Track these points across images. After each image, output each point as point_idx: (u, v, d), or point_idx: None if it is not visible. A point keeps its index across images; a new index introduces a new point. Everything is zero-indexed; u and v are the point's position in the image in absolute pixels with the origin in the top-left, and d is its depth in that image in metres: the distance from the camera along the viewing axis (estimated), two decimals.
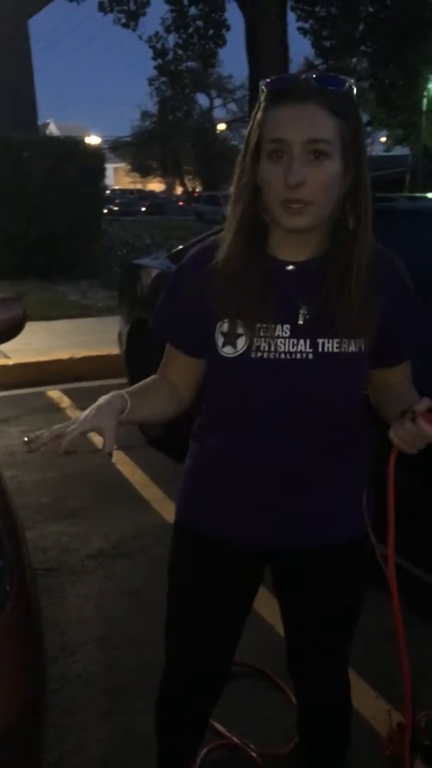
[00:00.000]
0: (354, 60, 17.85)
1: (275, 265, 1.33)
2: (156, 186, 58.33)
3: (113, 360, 5.59)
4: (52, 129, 45.08)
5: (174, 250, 4.94)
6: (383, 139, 36.62)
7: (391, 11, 12.50)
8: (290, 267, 1.33)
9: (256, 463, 1.38)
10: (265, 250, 1.34)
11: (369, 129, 38.05)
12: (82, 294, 10.39)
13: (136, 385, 1.42)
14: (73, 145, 12.22)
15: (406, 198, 6.65)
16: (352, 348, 1.31)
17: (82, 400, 5.55)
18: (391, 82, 13.59)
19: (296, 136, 1.21)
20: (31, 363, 6.17)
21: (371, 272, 1.30)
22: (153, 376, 1.49)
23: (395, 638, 1.44)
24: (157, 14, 13.93)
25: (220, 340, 1.33)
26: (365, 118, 36.04)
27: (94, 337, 7.14)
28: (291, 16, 12.84)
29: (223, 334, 1.33)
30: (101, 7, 13.39)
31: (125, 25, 13.54)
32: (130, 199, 41.56)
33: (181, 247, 4.70)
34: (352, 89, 1.25)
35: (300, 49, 55.87)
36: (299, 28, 13.64)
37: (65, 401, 5.65)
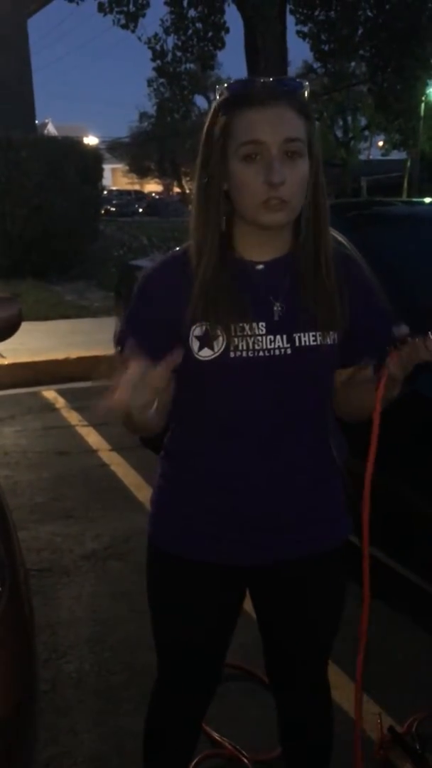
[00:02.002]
0: (353, 64, 17.88)
1: (245, 265, 1.34)
2: (153, 187, 58.35)
3: (108, 360, 5.58)
4: (51, 129, 44.98)
5: (170, 252, 4.94)
6: (381, 143, 36.69)
7: (390, 16, 12.51)
8: (260, 266, 1.34)
9: (239, 468, 1.36)
10: (233, 252, 1.34)
11: (367, 133, 38.21)
12: (78, 294, 10.40)
13: None
14: (71, 146, 12.23)
15: (403, 203, 6.67)
16: (328, 340, 1.33)
17: (77, 400, 5.55)
18: (390, 87, 13.58)
19: (273, 136, 1.23)
20: (26, 363, 6.17)
21: (335, 267, 1.35)
22: None
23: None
24: (156, 16, 13.91)
25: (195, 345, 1.31)
26: (363, 122, 36.34)
27: (90, 337, 7.13)
28: (290, 20, 12.86)
29: (198, 338, 1.31)
30: (100, 8, 13.34)
31: (124, 27, 13.49)
32: (127, 199, 41.59)
33: (177, 249, 4.70)
34: (307, 91, 1.30)
35: (299, 52, 56.05)
36: (298, 32, 13.61)
37: (60, 401, 5.65)
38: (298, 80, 1.30)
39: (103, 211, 18.66)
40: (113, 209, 33.20)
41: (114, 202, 37.37)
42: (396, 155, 35.22)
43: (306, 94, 1.29)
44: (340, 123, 38.73)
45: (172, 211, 34.17)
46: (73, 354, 6.42)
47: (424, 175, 30.81)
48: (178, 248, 1.41)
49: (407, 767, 2.04)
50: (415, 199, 8.40)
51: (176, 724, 1.63)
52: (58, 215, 11.17)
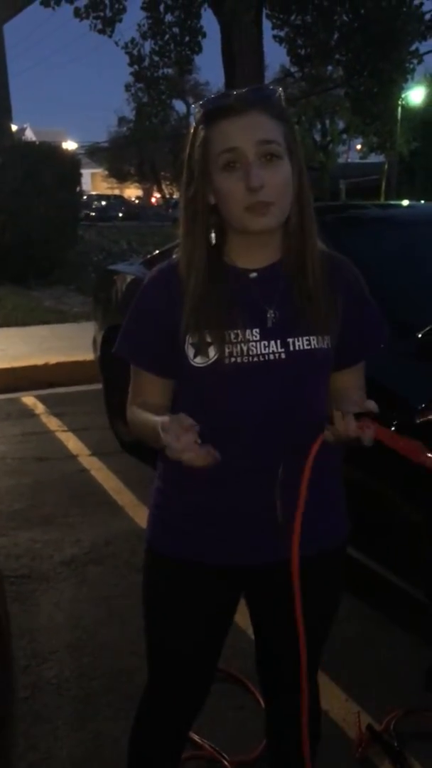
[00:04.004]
0: (329, 68, 17.98)
1: (238, 273, 1.37)
2: (133, 191, 58.28)
3: (88, 366, 5.58)
4: (29, 134, 44.80)
5: (149, 256, 4.95)
6: (359, 147, 36.92)
7: (365, 20, 12.60)
8: (253, 274, 1.37)
9: (234, 472, 1.37)
10: (225, 261, 1.37)
11: (345, 137, 38.44)
12: (57, 300, 10.36)
13: (149, 413, 1.37)
14: (48, 151, 12.20)
15: (380, 205, 6.72)
16: (322, 345, 1.35)
17: (56, 406, 5.54)
18: (366, 90, 13.67)
19: (248, 141, 1.26)
20: (5, 369, 6.13)
21: (326, 272, 1.37)
22: (139, 408, 1.42)
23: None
24: (133, 21, 13.93)
25: (191, 352, 1.34)
26: (341, 125, 36.53)
27: (69, 342, 7.11)
28: (266, 24, 12.92)
29: (193, 345, 1.34)
30: (77, 13, 13.31)
31: (101, 32, 13.47)
32: (106, 204, 41.50)
33: (156, 252, 4.71)
34: (281, 97, 1.32)
35: (276, 56, 56.29)
36: (275, 36, 13.68)
37: (40, 407, 5.62)
38: (272, 87, 1.33)
39: (83, 216, 18.61)
40: (93, 214, 33.10)
41: (94, 206, 37.29)
42: (374, 158, 35.45)
43: (282, 99, 1.32)
44: (318, 126, 38.95)
45: (152, 216, 34.16)
46: (53, 359, 6.40)
47: (402, 177, 31.02)
48: (166, 261, 1.43)
49: (386, 765, 2.06)
50: (392, 202, 8.47)
51: (165, 733, 1.62)
52: (36, 221, 11.13)
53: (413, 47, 13.26)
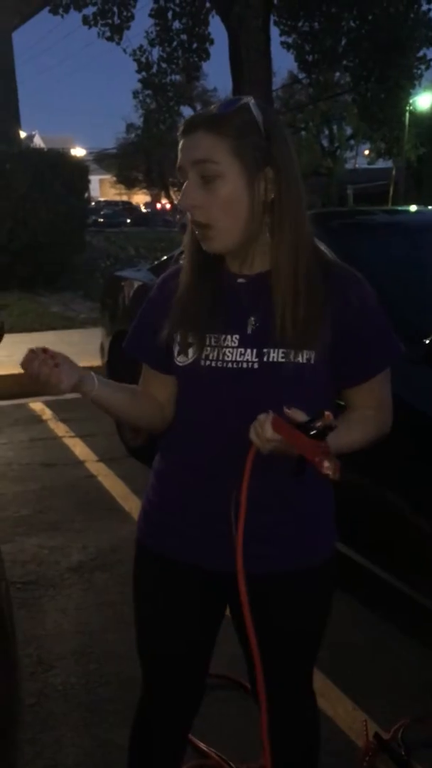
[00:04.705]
0: (337, 74, 18.02)
1: (228, 278, 1.38)
2: (141, 198, 58.46)
3: (95, 371, 5.57)
4: (38, 141, 45.08)
5: (156, 262, 4.96)
6: (366, 152, 36.92)
7: (373, 27, 12.63)
8: (241, 280, 1.37)
9: (207, 473, 1.38)
10: (223, 266, 1.38)
11: (352, 142, 38.46)
12: (65, 305, 10.39)
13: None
14: (56, 158, 12.25)
15: (387, 211, 6.71)
16: (299, 359, 1.31)
17: (64, 411, 5.54)
18: (374, 96, 13.69)
19: (186, 161, 1.28)
20: (13, 375, 6.14)
21: (322, 285, 1.31)
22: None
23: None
24: (141, 28, 14.01)
25: (175, 350, 1.39)
26: (348, 131, 36.58)
27: (76, 348, 7.11)
28: (274, 31, 12.96)
29: (178, 343, 1.39)
30: (85, 21, 13.41)
31: (109, 39, 13.57)
32: (115, 210, 41.65)
33: (164, 258, 4.72)
34: (247, 109, 1.26)
35: (284, 62, 56.41)
36: (282, 43, 13.74)
37: (47, 413, 5.63)
38: (236, 99, 1.28)
39: (91, 222, 18.68)
40: (101, 220, 33.23)
41: (102, 212, 37.43)
42: (382, 164, 35.44)
43: (242, 111, 1.26)
44: (326, 132, 38.98)
45: (160, 222, 34.24)
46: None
47: (409, 183, 31.01)
48: (179, 263, 1.46)
49: None
50: (399, 207, 8.46)
51: (161, 736, 1.62)
52: (44, 227, 11.18)
53: (421, 53, 13.29)
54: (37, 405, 5.83)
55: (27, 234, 11.09)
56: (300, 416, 1.19)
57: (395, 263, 3.08)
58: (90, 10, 13.27)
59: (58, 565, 3.24)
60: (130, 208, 46.78)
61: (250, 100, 1.28)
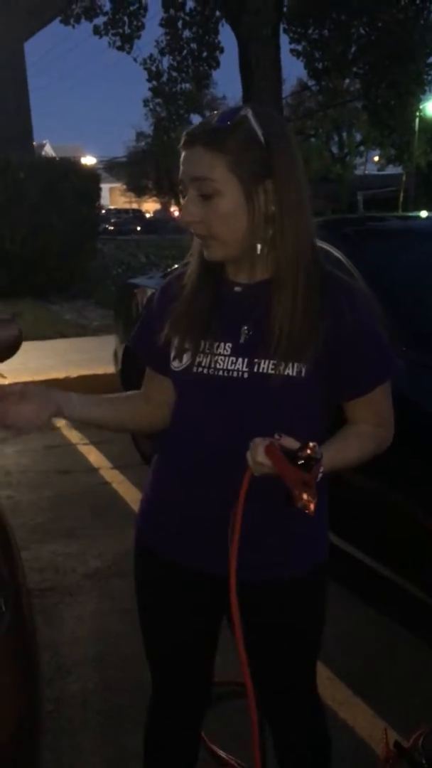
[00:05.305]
0: (347, 81, 18.05)
1: (226, 286, 1.39)
2: (151, 206, 58.68)
3: (109, 379, 5.61)
4: (48, 150, 45.35)
5: (168, 270, 4.97)
6: (376, 158, 36.93)
7: (382, 33, 12.66)
8: (237, 288, 1.37)
9: (195, 478, 1.40)
10: (223, 273, 1.40)
11: (362, 148, 38.49)
12: (77, 313, 10.42)
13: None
14: (68, 166, 12.34)
15: (398, 217, 6.71)
16: (289, 371, 1.29)
17: None
18: (384, 102, 13.71)
19: (185, 176, 1.30)
20: (26, 382, 6.17)
21: (318, 298, 1.30)
22: (133, 392, 1.61)
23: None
24: (151, 37, 14.11)
25: (172, 354, 1.41)
26: (358, 137, 36.62)
27: (89, 356, 7.15)
28: (284, 38, 13.01)
29: (174, 348, 1.40)
30: (96, 31, 13.54)
31: (120, 48, 13.69)
32: (125, 218, 41.83)
33: (176, 266, 4.74)
34: (246, 121, 1.25)
35: (293, 70, 56.56)
36: (292, 50, 13.81)
37: (61, 420, 5.64)
38: (234, 112, 1.26)
39: (102, 230, 18.77)
40: (112, 228, 33.39)
41: (113, 220, 37.60)
42: (391, 170, 35.48)
43: (239, 125, 1.24)
44: (336, 139, 39.04)
45: (171, 229, 34.36)
46: (74, 373, 6.43)
47: (419, 189, 30.99)
48: (184, 267, 1.47)
49: None
50: (410, 213, 8.46)
51: (170, 736, 1.64)
52: (56, 235, 11.25)
53: (431, 59, 13.28)
54: None
55: (39, 242, 11.15)
56: (292, 444, 1.19)
57: (409, 269, 3.08)
58: (101, 20, 13.42)
59: (75, 572, 3.24)
60: (139, 217, 46.95)
61: (249, 112, 1.26)
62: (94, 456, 4.82)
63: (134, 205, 55.49)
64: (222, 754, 2.09)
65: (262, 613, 1.42)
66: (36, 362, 6.74)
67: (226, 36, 13.12)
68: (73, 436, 5.27)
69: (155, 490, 1.51)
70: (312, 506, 1.16)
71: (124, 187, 53.48)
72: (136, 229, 37.21)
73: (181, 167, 1.30)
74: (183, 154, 1.30)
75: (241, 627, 1.28)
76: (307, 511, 1.16)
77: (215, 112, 1.32)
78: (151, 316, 1.48)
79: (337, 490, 1.50)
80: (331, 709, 2.30)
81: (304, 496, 1.15)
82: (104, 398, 1.53)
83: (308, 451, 1.16)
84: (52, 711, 2.33)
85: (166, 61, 14.13)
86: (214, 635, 1.57)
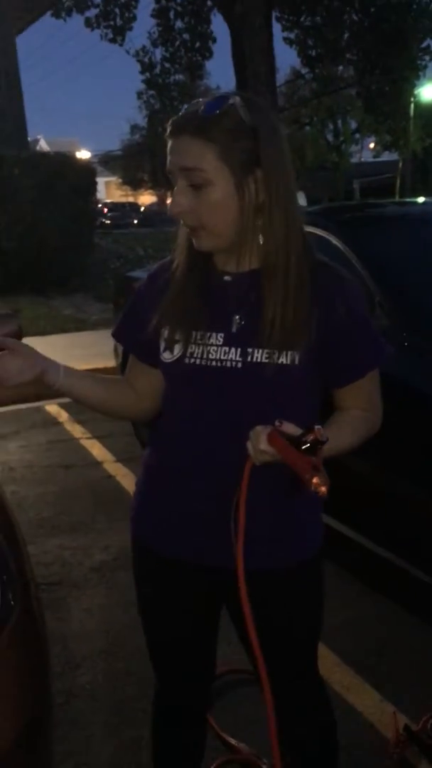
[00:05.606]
0: (340, 68, 17.96)
1: (216, 276, 1.37)
2: (147, 198, 58.52)
3: (109, 373, 5.58)
4: (42, 145, 45.17)
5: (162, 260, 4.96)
6: (372, 145, 36.79)
7: (376, 19, 12.58)
8: (227, 278, 1.36)
9: (191, 471, 1.39)
10: (211, 263, 1.38)
11: (357, 136, 38.33)
12: (76, 308, 10.42)
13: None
14: (63, 161, 12.30)
15: (396, 203, 6.69)
16: (282, 360, 1.30)
17: (80, 413, 5.57)
18: (378, 89, 13.64)
19: (173, 166, 1.27)
20: (19, 341, 6.16)
21: (309, 285, 1.31)
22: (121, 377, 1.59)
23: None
24: (143, 28, 14.04)
25: (162, 346, 1.39)
26: (353, 124, 36.47)
27: (89, 350, 7.15)
28: (276, 27, 12.93)
29: (165, 339, 1.39)
30: (88, 23, 13.45)
31: (112, 40, 13.60)
32: (122, 212, 41.71)
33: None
34: (233, 110, 1.23)
35: (287, 58, 56.28)
36: (285, 38, 13.71)
37: (63, 415, 5.66)
38: (221, 100, 1.24)
39: (98, 224, 18.73)
40: (108, 222, 33.30)
41: (109, 214, 37.50)
42: (387, 157, 35.31)
43: (228, 113, 1.23)
44: (331, 127, 38.83)
45: (168, 221, 34.27)
46: (74, 367, 6.43)
47: (416, 175, 30.88)
48: (170, 257, 1.47)
49: (423, 766, 2.04)
50: (407, 199, 8.44)
51: (177, 726, 1.65)
52: (53, 230, 11.22)
53: (425, 44, 13.21)
54: (53, 407, 5.86)
55: (36, 238, 11.14)
56: (293, 430, 1.19)
57: (408, 255, 3.08)
58: (92, 13, 13.33)
59: (82, 565, 3.26)
60: (136, 210, 46.80)
61: (237, 100, 1.24)
62: (97, 450, 4.83)
63: (130, 199, 55.30)
64: (232, 741, 2.11)
65: (268, 603, 1.42)
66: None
67: (219, 26, 13.09)
68: (76, 430, 5.28)
69: (150, 485, 1.50)
70: (324, 489, 1.16)
71: (120, 180, 53.31)
72: (132, 222, 37.10)
73: (169, 157, 1.28)
74: (170, 143, 1.27)
75: (251, 617, 1.28)
76: (320, 495, 1.16)
77: (200, 99, 1.28)
78: (138, 307, 1.47)
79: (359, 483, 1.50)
80: (339, 695, 2.32)
81: (315, 480, 1.15)
82: (91, 375, 1.51)
83: (312, 436, 1.17)
84: (62, 703, 2.35)
85: (158, 53, 14.06)
86: (214, 625, 1.58)
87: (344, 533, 2.77)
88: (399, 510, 2.54)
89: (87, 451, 4.84)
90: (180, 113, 1.29)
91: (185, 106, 1.31)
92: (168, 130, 1.28)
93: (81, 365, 6.47)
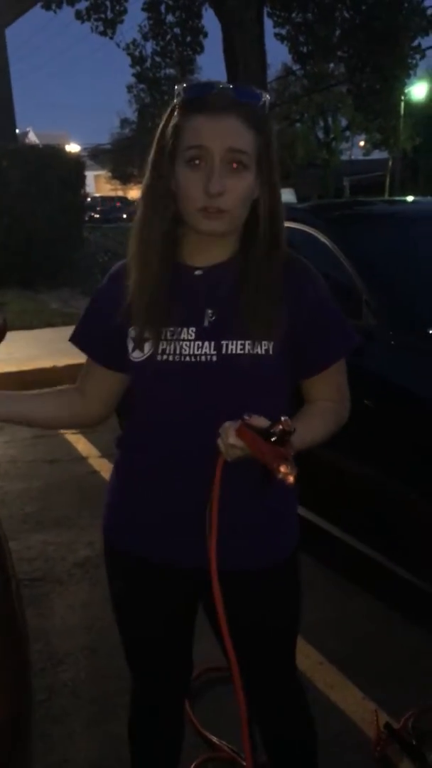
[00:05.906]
0: (331, 65, 17.94)
1: (184, 270, 1.35)
2: (137, 193, 58.34)
3: None
4: (32, 138, 44.92)
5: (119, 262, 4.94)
6: (362, 143, 36.86)
7: (367, 16, 12.58)
8: (198, 272, 1.35)
9: (167, 470, 1.37)
10: (176, 256, 1.35)
11: (348, 133, 38.40)
12: (63, 302, 10.37)
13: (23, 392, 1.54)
14: (52, 154, 12.22)
15: (384, 201, 6.70)
16: (258, 350, 1.30)
17: None
18: (368, 87, 13.64)
19: (217, 145, 1.23)
20: (13, 372, 6.14)
21: (280, 278, 1.32)
22: (65, 386, 1.55)
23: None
24: (134, 22, 13.96)
25: (130, 345, 1.36)
26: (344, 122, 36.53)
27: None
28: (268, 23, 12.90)
29: (133, 339, 1.35)
30: (78, 16, 13.35)
31: (103, 33, 13.51)
32: (111, 206, 41.57)
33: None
34: (266, 104, 1.28)
35: (278, 54, 56.24)
36: (276, 34, 13.67)
37: None
38: (258, 91, 1.28)
39: (87, 218, 18.64)
40: (98, 216, 33.18)
41: (98, 208, 37.38)
42: (377, 155, 35.42)
43: (264, 106, 1.28)
44: (321, 124, 38.89)
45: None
46: (61, 362, 6.40)
47: (406, 173, 30.99)
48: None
49: (404, 763, 2.05)
50: (396, 198, 8.46)
51: (154, 725, 1.65)
52: (41, 224, 11.16)
53: (415, 43, 13.21)
54: None
55: (24, 231, 11.07)
56: (261, 422, 1.19)
57: (396, 253, 3.08)
58: (83, 5, 13.21)
59: (65, 561, 3.24)
60: (127, 204, 46.70)
61: (267, 97, 1.28)
62: (82, 445, 4.81)
63: (120, 193, 55.14)
64: (213, 739, 2.10)
65: (244, 602, 1.41)
66: (22, 352, 6.71)
67: (210, 20, 13.03)
68: None
69: (124, 488, 1.47)
70: (291, 478, 1.16)
71: (110, 174, 53.13)
72: (122, 216, 37.00)
73: (208, 132, 1.23)
74: (207, 118, 1.23)
75: (225, 618, 1.28)
76: (288, 483, 1.16)
77: (223, 82, 1.27)
78: (99, 309, 1.43)
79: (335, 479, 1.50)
80: (322, 693, 2.32)
81: (282, 469, 1.15)
82: (29, 395, 1.49)
83: (280, 426, 1.17)
84: (44, 700, 2.34)
85: (149, 46, 13.99)
86: (190, 624, 1.57)
87: (327, 530, 2.77)
88: (382, 507, 2.54)
89: (72, 446, 4.81)
90: (205, 89, 1.26)
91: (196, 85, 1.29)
92: (202, 102, 1.24)
93: (68, 360, 6.44)
